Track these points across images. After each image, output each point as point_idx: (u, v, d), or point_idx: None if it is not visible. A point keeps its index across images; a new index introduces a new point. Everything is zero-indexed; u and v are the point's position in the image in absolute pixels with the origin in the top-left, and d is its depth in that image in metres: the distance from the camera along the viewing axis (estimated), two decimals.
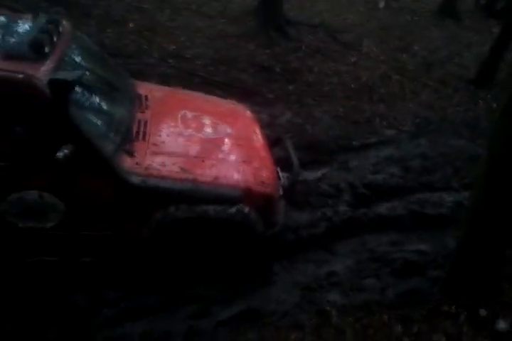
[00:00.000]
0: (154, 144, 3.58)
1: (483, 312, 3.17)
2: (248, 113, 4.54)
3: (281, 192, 3.83)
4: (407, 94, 7.16)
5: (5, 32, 3.46)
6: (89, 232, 3.34)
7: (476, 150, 5.57)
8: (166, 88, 4.56)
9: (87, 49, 3.93)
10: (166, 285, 3.56)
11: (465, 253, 3.53)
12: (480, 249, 3.43)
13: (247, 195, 3.48)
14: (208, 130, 3.96)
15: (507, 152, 3.15)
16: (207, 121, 4.06)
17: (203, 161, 3.61)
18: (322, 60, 7.66)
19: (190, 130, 3.87)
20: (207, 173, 3.51)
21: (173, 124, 3.89)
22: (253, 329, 3.23)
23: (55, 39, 3.42)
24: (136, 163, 3.36)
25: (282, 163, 4.12)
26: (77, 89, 3.26)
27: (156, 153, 3.51)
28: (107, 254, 3.46)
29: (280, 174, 4.03)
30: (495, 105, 6.71)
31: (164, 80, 5.46)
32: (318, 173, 4.99)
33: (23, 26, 3.55)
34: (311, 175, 4.90)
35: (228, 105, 4.62)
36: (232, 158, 3.81)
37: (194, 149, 3.72)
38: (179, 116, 4.00)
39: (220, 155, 3.78)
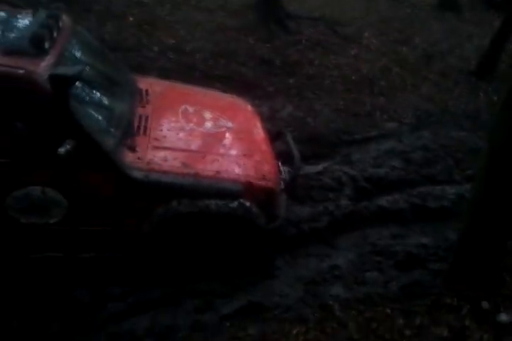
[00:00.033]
0: (155, 139, 3.58)
1: (485, 304, 3.17)
2: (249, 107, 4.53)
3: (282, 186, 3.84)
4: (408, 87, 7.13)
5: (5, 27, 3.47)
6: (92, 227, 3.35)
7: (477, 142, 5.56)
8: (167, 82, 4.54)
9: (87, 44, 3.92)
10: (168, 279, 3.57)
11: (466, 246, 3.54)
12: (481, 241, 3.43)
13: (248, 189, 3.49)
14: (209, 124, 3.96)
15: (507, 144, 3.14)
16: (208, 115, 4.06)
17: (205, 156, 3.62)
18: (322, 52, 7.63)
19: (191, 124, 3.87)
20: (208, 168, 3.51)
21: (174, 119, 3.89)
22: (256, 323, 3.23)
23: (55, 34, 3.42)
24: (138, 158, 3.37)
25: (283, 156, 4.12)
26: (78, 84, 3.26)
27: (157, 148, 3.51)
28: (110, 249, 3.47)
29: (281, 168, 4.04)
30: (495, 97, 6.68)
31: (164, 74, 5.43)
32: (320, 167, 4.98)
33: (23, 21, 3.55)
34: (312, 168, 4.89)
35: (229, 99, 4.61)
36: (233, 152, 3.82)
37: (195, 143, 3.72)
38: (180, 110, 4.00)
39: (221, 150, 3.79)
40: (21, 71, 3.02)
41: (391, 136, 5.79)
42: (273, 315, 3.35)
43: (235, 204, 3.44)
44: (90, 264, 3.47)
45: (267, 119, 5.01)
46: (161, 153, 3.48)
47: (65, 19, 3.74)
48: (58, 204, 3.21)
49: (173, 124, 3.82)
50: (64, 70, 3.06)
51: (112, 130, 3.40)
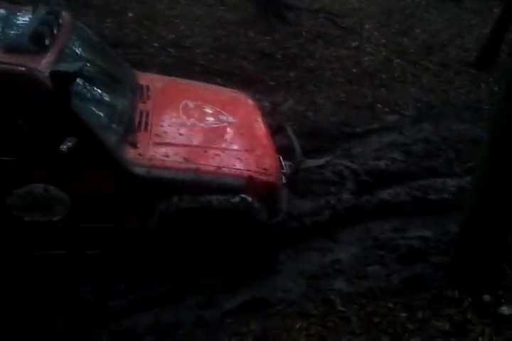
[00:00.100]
0: (157, 135, 3.59)
1: (486, 297, 3.18)
2: (250, 101, 4.53)
3: (283, 181, 3.85)
4: (409, 78, 7.13)
5: (5, 25, 3.45)
6: (95, 224, 3.36)
7: (478, 133, 5.54)
8: (167, 78, 4.54)
9: (87, 40, 3.91)
10: (171, 275, 3.59)
11: (467, 238, 3.54)
12: (482, 233, 3.43)
13: (250, 183, 3.49)
14: (210, 119, 3.96)
15: (508, 134, 3.14)
16: (209, 110, 4.06)
17: (206, 151, 3.62)
18: (323, 45, 7.62)
19: (192, 120, 3.87)
20: (210, 163, 3.51)
21: (175, 114, 3.89)
22: (259, 318, 3.25)
23: (55, 31, 3.41)
24: (140, 154, 3.37)
25: (284, 150, 4.12)
26: (79, 80, 3.26)
27: (158, 144, 3.52)
28: (113, 246, 3.48)
29: (282, 162, 4.04)
30: (496, 88, 6.66)
31: (165, 70, 5.43)
32: (321, 161, 4.98)
33: (23, 18, 3.53)
34: (313, 162, 4.89)
35: (230, 94, 4.61)
36: (235, 147, 3.82)
37: (196, 139, 3.72)
38: (181, 105, 3.99)
39: (223, 145, 3.78)
40: (22, 68, 3.01)
41: (392, 129, 5.79)
42: (276, 311, 3.36)
43: (237, 199, 3.45)
44: (94, 261, 3.49)
45: (268, 113, 5.02)
46: (163, 149, 3.48)
47: (65, 15, 3.73)
48: (61, 201, 3.22)
49: (174, 120, 3.82)
50: (65, 67, 3.06)
51: (114, 126, 3.40)
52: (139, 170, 3.29)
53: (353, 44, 7.85)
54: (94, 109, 3.40)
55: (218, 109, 4.10)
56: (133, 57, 5.74)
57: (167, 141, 3.58)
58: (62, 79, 3.00)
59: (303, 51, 7.26)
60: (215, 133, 3.83)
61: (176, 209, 3.37)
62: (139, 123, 3.61)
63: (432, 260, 3.89)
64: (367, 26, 8.62)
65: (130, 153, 3.34)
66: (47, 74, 3.01)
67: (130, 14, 7.50)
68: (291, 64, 6.85)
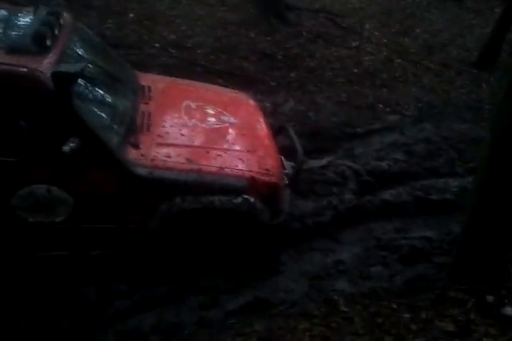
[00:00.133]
0: (159, 135, 3.59)
1: (490, 298, 3.17)
2: (251, 102, 4.53)
3: (286, 181, 3.84)
4: (410, 78, 7.13)
5: (6, 25, 3.45)
6: (97, 225, 3.36)
7: (479, 133, 5.53)
8: (169, 78, 4.54)
9: (88, 41, 3.91)
10: (173, 276, 3.58)
11: (470, 238, 3.53)
12: (485, 233, 3.42)
13: (252, 184, 3.49)
14: (212, 120, 3.96)
15: (509, 135, 3.13)
16: (210, 110, 4.06)
17: (208, 152, 3.62)
18: (323, 45, 7.62)
19: (194, 120, 3.87)
20: (212, 164, 3.51)
21: (176, 115, 3.89)
22: (262, 319, 3.25)
23: (56, 31, 3.41)
24: (142, 155, 3.37)
25: (286, 151, 4.12)
26: (80, 81, 3.26)
27: (160, 145, 3.52)
28: (115, 247, 3.48)
29: (284, 162, 4.04)
30: (497, 88, 6.65)
31: (166, 70, 5.42)
32: (323, 161, 4.98)
33: (25, 19, 3.53)
34: (315, 163, 4.89)
35: (231, 94, 4.61)
36: (237, 147, 3.81)
37: (198, 139, 3.72)
38: (182, 106, 3.99)
39: (225, 145, 3.78)
40: (24, 69, 3.01)
41: (393, 129, 5.79)
42: (279, 311, 3.36)
43: (239, 200, 3.44)
44: (96, 262, 3.49)
45: (270, 114, 5.02)
46: (165, 150, 3.48)
47: (66, 16, 3.73)
48: (64, 202, 3.21)
49: (176, 120, 3.82)
50: (66, 68, 3.06)
51: (116, 127, 3.41)
52: (141, 171, 3.29)
53: (354, 44, 7.85)
54: (95, 109, 3.40)
55: (220, 110, 4.09)
56: (134, 57, 5.75)
57: (169, 141, 3.58)
58: (64, 80, 3.00)
59: (303, 51, 7.26)
60: (217, 134, 3.83)
61: (179, 209, 3.37)
62: (141, 124, 3.61)
63: (435, 260, 3.88)
64: (367, 26, 8.62)
65: (132, 154, 3.34)
66: (48, 75, 3.00)
67: (131, 15, 7.50)
68: (291, 64, 6.85)
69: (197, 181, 3.38)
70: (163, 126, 3.69)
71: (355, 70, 7.03)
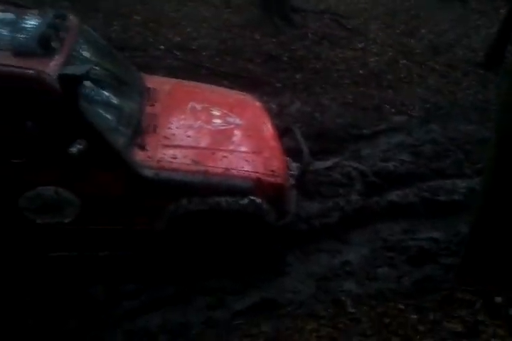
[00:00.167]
0: (165, 137, 3.60)
1: (498, 299, 3.15)
2: (257, 103, 4.54)
3: (292, 182, 3.84)
4: (415, 79, 7.10)
5: (13, 28, 3.48)
6: (105, 226, 3.37)
7: (486, 134, 5.51)
8: (174, 80, 4.55)
9: (94, 43, 3.93)
10: (180, 277, 3.59)
11: (477, 239, 3.51)
12: (492, 234, 3.40)
13: (258, 185, 3.49)
14: (218, 121, 3.97)
15: None
16: (216, 112, 4.07)
17: (214, 153, 3.63)
18: (329, 46, 7.62)
19: (199, 122, 3.88)
20: (218, 165, 3.52)
21: (182, 116, 3.90)
22: (269, 319, 3.24)
23: (62, 34, 3.44)
24: (148, 156, 3.38)
25: (292, 152, 4.12)
26: (87, 83, 3.27)
27: (167, 146, 3.53)
28: (123, 247, 3.49)
29: (290, 164, 4.04)
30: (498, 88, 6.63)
31: (171, 72, 5.44)
32: (329, 162, 4.97)
33: (31, 22, 3.56)
34: (321, 164, 4.88)
35: (237, 96, 4.62)
36: (243, 148, 3.82)
37: (204, 141, 3.73)
38: (188, 108, 4.01)
39: (231, 147, 3.79)
40: (31, 71, 3.03)
41: (400, 130, 5.77)
42: (286, 312, 3.35)
43: (245, 201, 3.45)
44: (104, 262, 3.50)
45: (276, 115, 5.02)
46: (171, 151, 3.49)
47: (72, 19, 3.76)
48: (71, 203, 3.23)
49: (182, 122, 3.83)
50: (73, 70, 3.08)
51: (122, 129, 3.42)
52: (148, 172, 3.29)
53: (359, 45, 7.85)
54: (102, 111, 3.42)
55: (226, 111, 4.10)
56: (139, 59, 5.78)
57: (175, 143, 3.59)
58: (70, 82, 3.02)
59: (309, 53, 7.27)
60: (223, 135, 3.84)
61: (185, 211, 3.37)
62: (147, 125, 3.62)
63: (443, 261, 3.87)
64: (372, 27, 8.62)
65: (139, 155, 3.35)
66: (55, 77, 3.02)
67: (136, 17, 7.54)
68: (297, 66, 6.86)
69: (203, 182, 3.39)
70: (169, 128, 3.70)
71: (360, 71, 7.02)
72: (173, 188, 3.35)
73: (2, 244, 3.36)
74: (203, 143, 3.70)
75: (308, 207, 4.33)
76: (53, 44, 3.25)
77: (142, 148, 3.41)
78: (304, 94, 6.19)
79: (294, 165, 4.06)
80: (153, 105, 3.86)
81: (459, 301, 3.17)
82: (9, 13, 3.69)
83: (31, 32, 3.34)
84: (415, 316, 3.07)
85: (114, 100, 3.64)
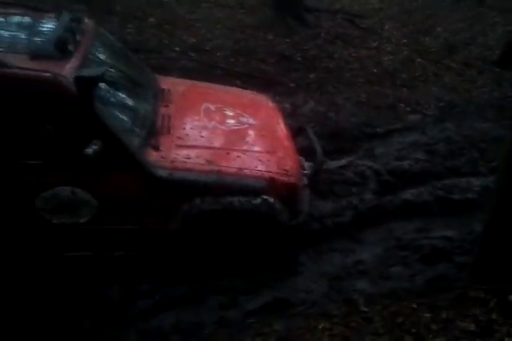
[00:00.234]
0: (179, 137, 3.63)
1: None
2: (270, 103, 4.56)
3: (305, 182, 3.86)
4: (430, 78, 7.07)
5: (31, 32, 3.54)
6: (120, 226, 3.41)
7: (501, 132, 5.46)
8: (188, 81, 4.59)
9: (110, 46, 3.99)
10: (193, 276, 3.62)
11: (491, 238, 3.49)
12: (506, 232, 3.38)
13: (271, 185, 3.51)
14: (231, 121, 3.99)
15: None
16: (230, 112, 4.10)
17: (228, 153, 3.65)
18: (342, 46, 7.62)
19: (213, 122, 3.91)
20: (231, 165, 3.55)
21: (196, 117, 3.94)
22: (281, 319, 3.25)
23: (78, 37, 3.49)
24: (162, 157, 3.42)
25: (306, 152, 4.13)
26: (102, 85, 3.32)
27: (180, 146, 3.56)
28: (137, 247, 3.53)
29: (304, 163, 4.05)
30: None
31: (186, 73, 5.48)
32: (343, 161, 4.97)
33: (48, 25, 3.62)
34: (335, 163, 4.89)
35: (250, 96, 4.64)
36: (256, 148, 3.84)
37: (218, 141, 3.76)
38: (202, 108, 4.04)
39: (244, 147, 3.81)
40: (47, 74, 3.09)
41: (414, 129, 5.75)
42: (298, 311, 3.36)
43: (258, 200, 3.47)
44: (119, 262, 3.54)
45: (289, 115, 5.03)
46: (185, 151, 3.52)
47: (88, 22, 3.82)
48: (87, 204, 3.28)
49: (195, 123, 3.87)
50: (88, 72, 3.13)
51: (137, 130, 3.47)
52: (162, 173, 3.33)
53: (373, 44, 7.83)
54: (117, 113, 3.47)
55: (239, 112, 4.13)
56: (154, 61, 5.83)
57: (189, 143, 3.63)
58: (86, 84, 3.07)
59: (322, 52, 7.27)
60: (237, 135, 3.87)
61: (199, 210, 3.40)
62: (161, 126, 3.67)
63: (456, 260, 3.86)
64: (387, 26, 8.58)
65: (153, 156, 3.39)
66: (71, 79, 3.07)
67: (151, 19, 7.60)
68: (310, 65, 6.87)
69: (216, 182, 3.42)
70: (183, 128, 3.74)
71: (374, 70, 7.01)
72: (187, 188, 3.38)
73: (19, 244, 3.43)
74: (217, 143, 3.73)
75: (322, 206, 4.34)
76: (69, 47, 3.30)
77: (156, 148, 3.45)
78: (318, 93, 6.20)
79: (307, 164, 4.07)
80: (167, 106, 3.90)
81: (472, 300, 3.15)
82: (27, 17, 3.76)
83: (48, 35, 3.40)
84: (428, 315, 3.05)
85: (129, 102, 3.69)
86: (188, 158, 3.48)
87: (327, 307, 3.34)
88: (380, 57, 7.40)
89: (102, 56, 3.79)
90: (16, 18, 3.72)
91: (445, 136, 5.60)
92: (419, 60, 7.51)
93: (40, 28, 3.64)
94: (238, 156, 3.65)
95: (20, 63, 3.11)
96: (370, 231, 4.26)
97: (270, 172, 3.58)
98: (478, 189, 4.72)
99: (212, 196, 3.40)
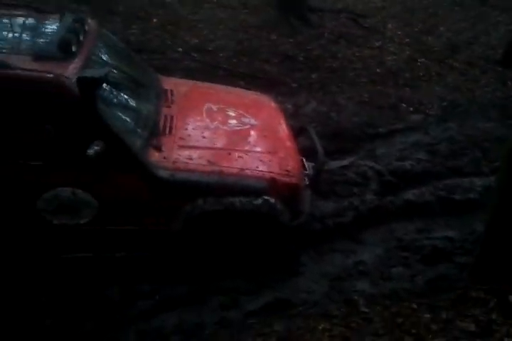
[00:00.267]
0: (181, 138, 3.65)
1: None
2: (272, 103, 4.56)
3: (306, 182, 3.86)
4: (433, 77, 7.04)
5: (34, 33, 3.58)
6: (121, 227, 3.43)
7: (504, 132, 5.46)
8: (191, 82, 4.61)
9: (112, 46, 4.01)
10: (194, 277, 3.63)
11: (492, 238, 3.49)
12: (507, 232, 3.38)
13: (272, 185, 3.52)
14: (233, 122, 4.01)
15: None
16: (232, 113, 4.11)
17: (229, 153, 3.67)
18: (345, 45, 7.60)
19: (215, 123, 3.92)
20: (233, 165, 3.56)
21: (198, 118, 3.95)
22: (282, 319, 3.26)
23: (81, 38, 3.51)
24: (164, 157, 3.43)
25: (307, 152, 4.14)
26: (105, 86, 3.34)
27: (182, 147, 3.58)
28: (138, 248, 3.54)
29: (305, 163, 4.06)
30: None
31: (189, 74, 5.49)
32: (344, 162, 4.97)
33: (51, 26, 3.65)
34: (336, 163, 4.89)
35: (252, 96, 4.65)
36: (258, 149, 3.86)
37: (220, 141, 3.77)
38: (204, 109, 4.05)
39: (246, 147, 3.82)
40: (50, 75, 3.11)
41: (417, 129, 5.74)
42: (298, 311, 3.37)
43: (260, 201, 3.48)
44: (121, 263, 3.55)
45: (291, 115, 5.04)
46: (186, 152, 3.54)
47: (91, 23, 3.83)
48: (88, 204, 3.30)
49: (198, 123, 3.88)
50: (91, 73, 3.15)
51: (139, 130, 3.48)
52: (163, 173, 3.35)
53: (376, 44, 7.81)
54: (119, 113, 3.49)
55: (241, 112, 4.14)
56: (157, 62, 5.83)
57: (191, 144, 3.64)
58: (89, 85, 3.08)
59: (325, 52, 7.25)
60: (238, 136, 3.88)
61: (201, 211, 3.42)
62: (164, 127, 3.68)
63: (457, 260, 3.87)
64: (390, 26, 8.56)
65: (155, 157, 3.41)
66: (74, 80, 3.09)
67: (154, 20, 7.60)
68: (313, 65, 6.85)
69: (218, 183, 3.43)
70: (185, 129, 3.75)
71: (377, 70, 6.99)
72: (189, 189, 3.40)
73: (21, 245, 3.45)
74: (219, 144, 3.75)
75: (323, 207, 4.34)
76: (72, 48, 3.31)
77: (158, 149, 3.46)
78: (320, 93, 6.19)
79: (309, 164, 4.08)
80: (169, 106, 3.92)
81: (472, 300, 3.16)
82: (30, 18, 3.78)
83: (51, 36, 3.42)
84: (428, 315, 3.07)
85: (131, 102, 3.71)
86: (190, 159, 3.49)
87: (328, 308, 3.35)
88: (383, 57, 7.38)
89: (104, 57, 3.81)
90: (19, 20, 3.75)
91: (448, 135, 5.59)
92: (422, 59, 7.49)
93: (43, 29, 3.67)
94: (240, 157, 3.66)
95: (23, 64, 3.13)
96: (371, 231, 4.26)
97: (272, 172, 3.59)
98: (480, 189, 4.72)
99: (214, 197, 3.41)
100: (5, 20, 3.71)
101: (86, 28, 3.68)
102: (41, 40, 3.48)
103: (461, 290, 3.29)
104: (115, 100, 3.61)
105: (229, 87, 4.71)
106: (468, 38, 8.39)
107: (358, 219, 4.31)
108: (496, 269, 3.41)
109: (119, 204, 3.34)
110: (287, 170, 3.66)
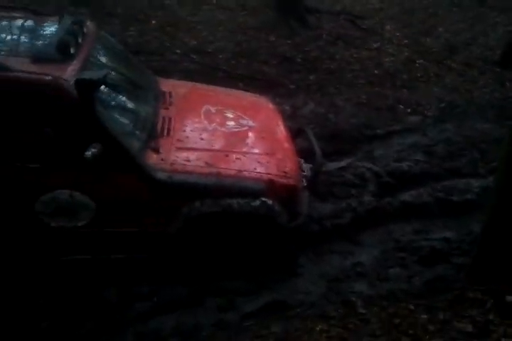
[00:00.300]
0: (179, 140, 3.66)
1: (509, 298, 3.15)
2: (270, 105, 4.58)
3: (304, 183, 3.88)
4: (431, 78, 7.05)
5: (33, 35, 3.59)
6: (119, 229, 3.43)
7: (502, 133, 5.45)
8: (189, 83, 4.62)
9: (111, 48, 4.03)
10: (193, 278, 3.63)
11: (489, 238, 3.51)
12: (504, 233, 3.39)
13: (270, 187, 3.53)
14: (231, 123, 4.02)
15: None
16: (230, 114, 4.12)
17: (227, 155, 3.67)
18: (343, 47, 7.62)
19: (213, 124, 3.93)
20: (231, 167, 3.57)
21: (196, 119, 3.96)
22: (279, 321, 3.27)
23: (80, 40, 3.52)
24: (162, 159, 3.44)
25: (305, 153, 4.15)
26: (103, 88, 3.35)
27: (180, 149, 3.59)
28: (136, 250, 3.54)
29: (303, 165, 4.08)
30: None
31: (187, 76, 5.50)
32: (342, 163, 4.98)
33: (50, 28, 3.66)
34: (334, 165, 4.90)
35: (251, 98, 4.67)
36: (256, 150, 3.87)
37: (218, 143, 3.78)
38: (202, 111, 4.06)
39: (244, 149, 3.84)
40: (48, 77, 3.12)
41: (414, 130, 5.74)
42: (296, 313, 3.37)
43: (257, 202, 3.48)
44: (118, 265, 3.55)
45: (289, 117, 5.05)
46: (184, 154, 3.55)
47: (90, 25, 3.85)
48: (86, 207, 3.30)
49: (196, 125, 3.89)
50: (89, 75, 3.15)
51: (137, 132, 3.49)
52: (161, 175, 3.36)
53: (374, 45, 7.82)
54: (118, 116, 3.51)
55: (239, 114, 4.15)
56: (156, 64, 5.86)
57: (189, 145, 3.65)
58: (87, 87, 3.09)
59: (323, 54, 7.27)
60: (236, 138, 3.89)
61: (198, 213, 3.42)
62: (162, 128, 3.69)
63: (454, 261, 3.87)
64: (388, 27, 8.58)
65: (152, 158, 3.41)
66: (72, 82, 3.10)
67: (153, 22, 7.63)
68: (311, 67, 6.87)
69: (216, 184, 3.43)
70: (183, 131, 3.76)
71: (375, 71, 7.01)
72: (187, 190, 3.40)
73: (19, 248, 3.45)
74: (216, 146, 3.76)
75: (321, 208, 4.34)
76: (71, 50, 3.32)
77: (156, 151, 3.47)
78: (318, 95, 6.21)
79: (307, 166, 4.09)
80: (167, 108, 3.93)
81: (469, 301, 3.17)
82: (29, 20, 3.79)
83: (50, 38, 3.43)
84: (425, 316, 3.08)
85: (130, 104, 3.73)
86: (188, 161, 3.50)
87: (325, 309, 3.35)
88: (381, 58, 7.40)
89: (103, 59, 3.83)
90: (18, 22, 3.76)
91: (445, 137, 5.60)
92: (420, 60, 7.50)
93: (42, 31, 3.68)
94: (238, 158, 3.67)
95: (22, 66, 3.14)
96: (369, 232, 4.26)
97: (269, 174, 3.60)
98: (477, 190, 4.72)
99: (211, 198, 3.42)
100: (3, 23, 3.73)
101: (84, 30, 3.69)
102: (40, 42, 3.50)
103: (458, 291, 3.31)
104: (113, 102, 3.63)
105: (227, 89, 4.73)
106: (467, 39, 8.40)
107: (356, 221, 4.31)
108: (493, 270, 3.42)
109: (116, 207, 3.35)
110: (285, 172, 3.67)
